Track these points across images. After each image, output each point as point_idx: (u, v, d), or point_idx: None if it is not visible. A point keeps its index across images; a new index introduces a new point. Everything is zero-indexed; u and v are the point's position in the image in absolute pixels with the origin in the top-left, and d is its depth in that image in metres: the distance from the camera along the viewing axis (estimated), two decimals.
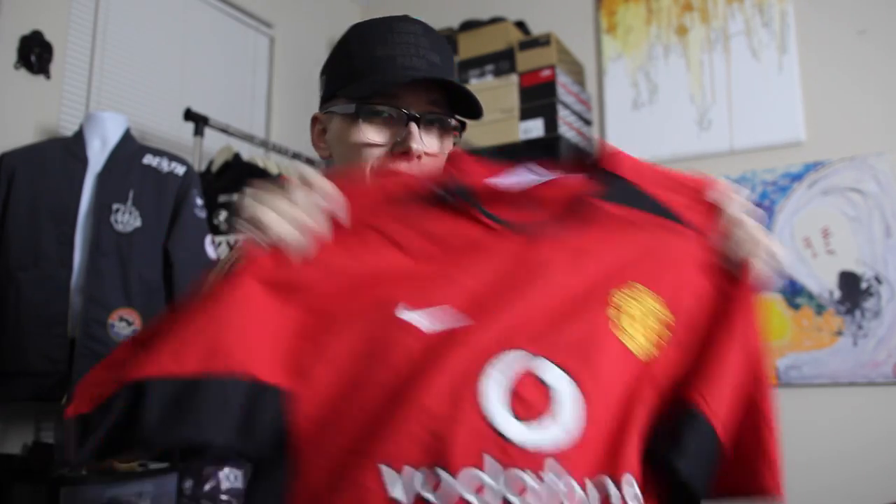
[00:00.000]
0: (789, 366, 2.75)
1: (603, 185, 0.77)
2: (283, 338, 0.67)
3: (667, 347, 0.73)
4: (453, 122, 0.96)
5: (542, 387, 0.67)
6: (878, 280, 2.67)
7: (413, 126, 0.91)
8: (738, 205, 0.81)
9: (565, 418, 0.67)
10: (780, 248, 0.78)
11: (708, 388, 0.74)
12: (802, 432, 2.71)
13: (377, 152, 0.92)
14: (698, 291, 0.76)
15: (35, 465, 2.08)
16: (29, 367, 2.02)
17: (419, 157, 0.91)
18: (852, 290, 2.70)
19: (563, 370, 0.68)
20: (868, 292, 2.68)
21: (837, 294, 2.72)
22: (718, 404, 0.75)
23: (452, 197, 0.76)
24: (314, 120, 1.03)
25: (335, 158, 0.99)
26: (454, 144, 0.99)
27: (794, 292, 2.79)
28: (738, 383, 0.76)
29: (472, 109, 0.95)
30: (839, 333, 2.70)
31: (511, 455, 0.65)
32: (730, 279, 0.78)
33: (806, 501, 2.66)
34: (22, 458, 2.12)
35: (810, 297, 2.76)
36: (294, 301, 0.69)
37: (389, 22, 0.95)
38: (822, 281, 2.75)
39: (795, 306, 2.78)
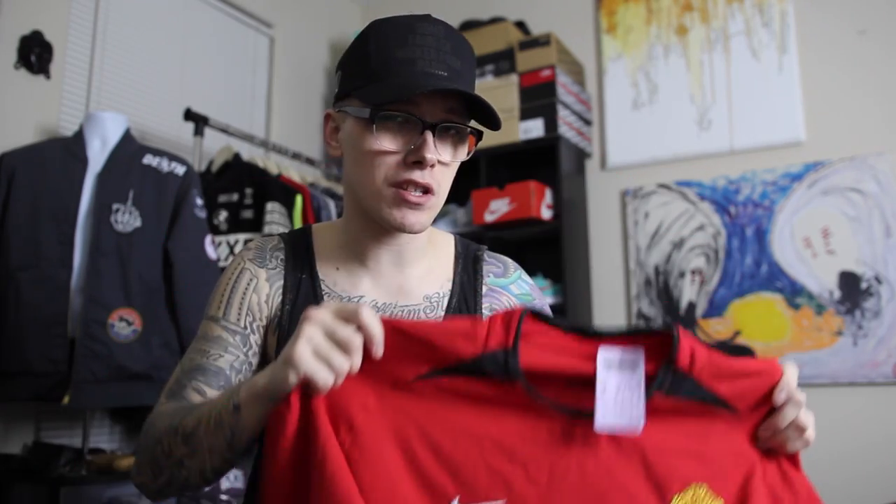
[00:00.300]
0: None
1: (658, 373, 0.72)
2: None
3: None
4: (470, 131, 0.94)
5: None
6: (878, 280, 2.67)
7: (428, 135, 0.89)
8: (796, 400, 0.75)
9: None
10: (811, 427, 0.75)
11: None
12: None
13: (390, 160, 0.91)
14: (752, 477, 0.73)
15: (35, 465, 2.08)
16: (29, 367, 2.02)
17: (432, 165, 0.90)
18: (852, 290, 2.70)
19: None
20: (868, 292, 2.68)
21: (837, 294, 2.72)
22: None
23: (509, 378, 0.71)
24: (327, 117, 1.01)
25: (346, 160, 0.98)
26: (468, 155, 0.97)
27: (794, 292, 2.79)
28: None
29: (491, 119, 0.92)
30: (839, 333, 2.70)
31: None
32: (776, 459, 0.75)
33: None
34: (22, 458, 2.12)
35: (810, 297, 2.76)
36: (339, 464, 0.69)
37: (411, 22, 0.91)
38: (822, 281, 2.75)
39: (795, 306, 2.78)
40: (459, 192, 3.26)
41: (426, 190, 0.91)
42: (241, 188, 2.59)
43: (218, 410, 0.79)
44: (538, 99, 2.97)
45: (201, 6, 3.11)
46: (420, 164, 0.90)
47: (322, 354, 0.70)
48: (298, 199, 2.58)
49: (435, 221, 1.00)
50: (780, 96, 2.91)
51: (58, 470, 2.05)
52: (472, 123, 0.96)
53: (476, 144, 0.96)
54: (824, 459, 2.67)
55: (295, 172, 2.82)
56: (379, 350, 0.72)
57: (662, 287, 3.02)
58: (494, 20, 3.23)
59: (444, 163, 0.92)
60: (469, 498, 0.68)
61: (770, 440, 0.75)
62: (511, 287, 1.04)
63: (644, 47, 3.21)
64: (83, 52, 2.60)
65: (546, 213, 2.92)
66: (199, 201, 2.29)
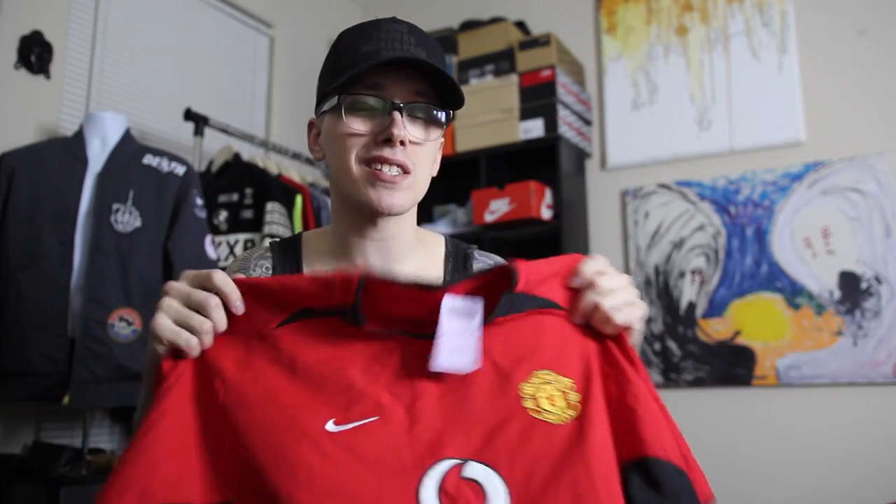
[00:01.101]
0: (789, 366, 2.75)
1: (500, 300, 0.80)
2: (216, 455, 0.73)
3: (585, 408, 0.76)
4: (440, 112, 0.96)
5: (475, 486, 0.71)
6: (878, 280, 2.67)
7: (396, 114, 0.91)
8: (595, 286, 0.81)
9: None
10: (618, 308, 0.80)
11: (651, 434, 0.76)
12: (802, 432, 2.72)
13: (361, 141, 0.93)
14: (589, 357, 0.80)
15: (35, 465, 2.08)
16: (29, 367, 2.02)
17: (402, 142, 0.92)
18: (852, 290, 2.70)
19: (491, 468, 0.72)
20: (868, 292, 2.68)
21: (837, 294, 2.72)
22: (666, 443, 0.76)
23: (352, 318, 0.78)
24: (310, 125, 1.04)
25: (327, 157, 1.00)
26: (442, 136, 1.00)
27: (794, 292, 2.79)
28: (663, 419, 0.79)
29: (457, 99, 0.96)
30: (839, 333, 2.70)
31: None
32: (608, 338, 0.82)
33: (806, 501, 2.66)
34: (22, 458, 2.12)
35: (810, 297, 2.76)
36: (218, 416, 0.74)
37: (377, 22, 0.95)
38: (822, 281, 2.75)
39: (795, 306, 2.78)
40: (459, 192, 3.26)
41: (402, 169, 0.93)
42: (241, 188, 2.59)
43: (142, 402, 0.85)
44: (538, 99, 2.97)
45: (201, 6, 3.11)
46: (389, 142, 0.92)
47: (181, 320, 0.77)
48: (298, 199, 2.58)
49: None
50: (780, 96, 2.91)
51: (58, 470, 2.05)
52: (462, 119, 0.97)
53: (446, 125, 0.99)
54: (824, 459, 2.67)
55: (295, 172, 2.82)
56: (238, 305, 0.78)
57: (662, 287, 3.03)
58: (494, 20, 3.23)
59: (415, 142, 0.94)
60: (344, 419, 0.73)
61: (590, 323, 0.81)
62: None
63: (644, 47, 3.21)
64: (83, 52, 2.60)
65: (546, 213, 2.92)
66: (200, 201, 2.29)
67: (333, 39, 1.00)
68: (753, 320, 2.84)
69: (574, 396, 0.77)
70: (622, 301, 0.81)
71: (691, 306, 2.96)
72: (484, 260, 1.07)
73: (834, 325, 2.71)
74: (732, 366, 2.85)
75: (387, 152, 0.92)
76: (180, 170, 2.28)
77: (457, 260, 1.05)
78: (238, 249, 2.53)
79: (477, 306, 0.78)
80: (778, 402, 2.78)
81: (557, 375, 0.78)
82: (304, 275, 0.80)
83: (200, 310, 0.77)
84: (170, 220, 2.23)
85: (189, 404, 0.75)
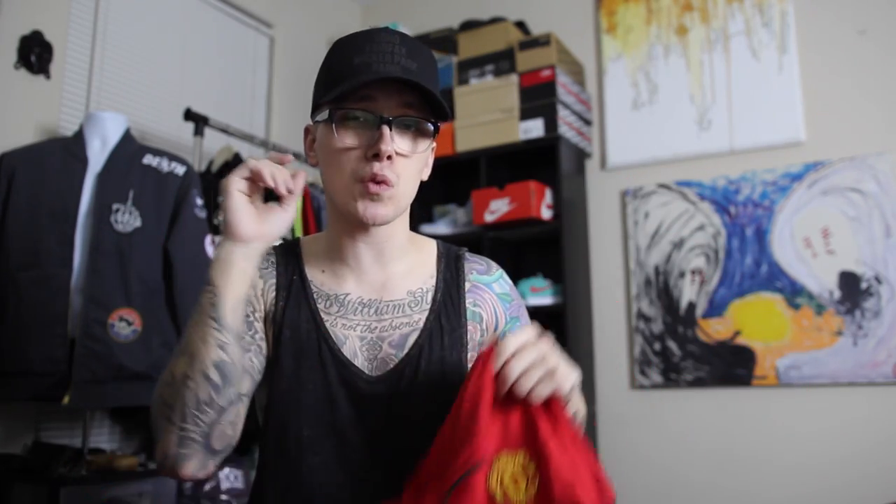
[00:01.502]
0: (789, 366, 2.75)
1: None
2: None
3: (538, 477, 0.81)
4: (429, 124, 0.99)
5: None
6: (878, 280, 2.67)
7: (385, 129, 0.94)
8: (505, 369, 0.85)
9: None
10: (564, 367, 0.85)
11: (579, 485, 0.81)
12: (802, 432, 2.72)
13: (352, 155, 0.96)
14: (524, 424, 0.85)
15: (35, 465, 2.08)
16: (29, 367, 2.02)
17: (389, 157, 0.94)
18: (852, 290, 2.70)
19: None
20: (868, 292, 2.68)
21: (837, 294, 2.72)
22: (587, 492, 0.81)
23: None
24: (306, 131, 1.07)
25: (321, 165, 1.03)
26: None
27: (794, 292, 2.79)
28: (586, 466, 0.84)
29: (440, 110, 0.98)
30: (839, 333, 2.70)
31: None
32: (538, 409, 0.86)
33: (806, 501, 2.66)
34: (22, 458, 2.12)
35: (810, 297, 2.76)
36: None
37: (368, 33, 0.98)
38: (822, 281, 2.75)
39: (795, 306, 2.78)
40: (459, 192, 3.26)
41: (386, 183, 0.96)
42: None
43: (196, 310, 0.88)
44: (538, 99, 2.97)
45: (201, 6, 3.11)
46: (377, 157, 0.94)
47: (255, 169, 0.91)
48: (298, 200, 2.58)
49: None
50: (780, 96, 2.91)
51: (58, 470, 2.05)
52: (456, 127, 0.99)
53: (434, 134, 1.01)
54: (824, 459, 2.67)
55: None
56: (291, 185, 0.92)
57: (662, 287, 3.03)
58: (494, 20, 3.23)
59: (402, 154, 0.96)
60: None
61: (524, 396, 0.84)
62: (493, 285, 1.09)
63: (644, 47, 3.21)
64: (83, 52, 2.60)
65: (546, 213, 2.92)
66: (199, 201, 2.29)
67: (334, 39, 1.02)
68: (753, 320, 2.84)
69: (532, 469, 0.81)
70: (535, 378, 0.83)
71: (691, 306, 2.96)
72: (475, 261, 1.10)
73: (834, 325, 2.71)
74: (732, 366, 2.85)
75: (375, 167, 0.94)
76: (180, 170, 2.28)
77: (448, 260, 1.08)
78: None
79: None
80: (778, 402, 2.78)
81: (510, 454, 0.82)
82: None
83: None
84: (170, 220, 2.23)
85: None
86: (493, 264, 1.12)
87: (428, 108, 0.97)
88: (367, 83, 0.93)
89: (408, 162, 0.97)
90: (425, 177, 1.05)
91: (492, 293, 1.07)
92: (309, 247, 1.08)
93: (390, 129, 0.94)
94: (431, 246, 1.11)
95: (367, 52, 0.95)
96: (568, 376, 0.85)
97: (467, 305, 1.04)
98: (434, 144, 1.03)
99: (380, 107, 0.95)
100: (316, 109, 1.02)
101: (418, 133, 0.98)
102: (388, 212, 0.97)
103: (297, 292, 1.02)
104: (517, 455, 0.81)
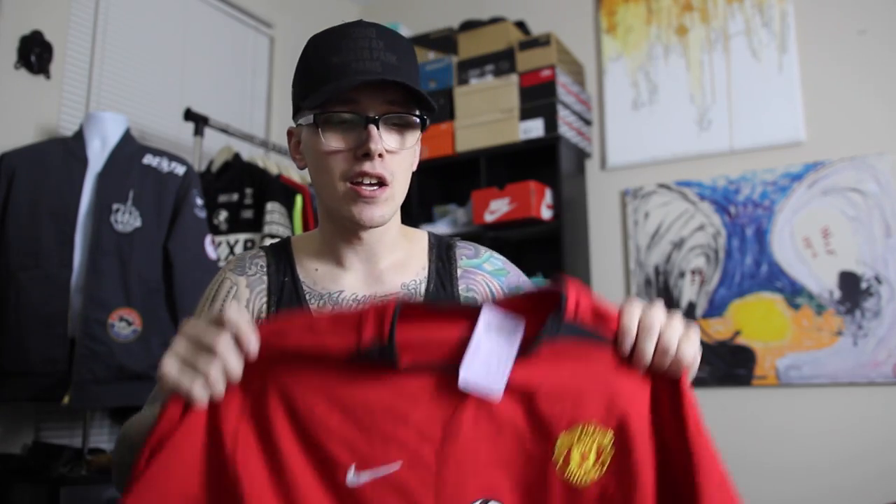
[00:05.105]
0: (789, 366, 2.75)
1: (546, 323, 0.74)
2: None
3: (615, 466, 0.72)
4: (414, 118, 0.98)
5: None
6: (878, 280, 2.67)
7: (372, 128, 0.93)
8: (649, 331, 0.74)
9: None
10: (676, 348, 0.74)
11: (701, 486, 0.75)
12: (802, 432, 2.72)
13: (341, 157, 0.95)
14: (638, 407, 0.74)
15: (35, 465, 2.08)
16: (29, 367, 2.02)
17: (380, 155, 0.94)
18: (852, 290, 2.70)
19: None
20: (868, 292, 2.68)
21: (837, 294, 2.72)
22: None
23: (378, 358, 0.72)
24: (289, 134, 1.07)
25: (309, 169, 1.03)
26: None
27: (794, 292, 2.79)
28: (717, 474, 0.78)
29: (425, 104, 0.97)
30: (839, 333, 2.70)
31: None
32: (656, 378, 0.76)
33: (806, 501, 2.66)
34: (22, 458, 2.12)
35: (810, 297, 2.76)
36: (226, 474, 0.70)
37: (343, 28, 0.98)
38: (822, 281, 2.75)
39: (795, 306, 2.78)
40: (459, 192, 3.26)
41: (380, 182, 0.95)
42: (241, 188, 2.59)
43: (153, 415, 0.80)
44: (538, 99, 2.97)
45: (201, 6, 3.11)
46: (367, 156, 0.94)
47: (188, 362, 0.70)
48: (298, 199, 2.58)
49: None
50: (780, 96, 2.91)
51: (58, 470, 2.05)
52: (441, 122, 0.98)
53: (422, 130, 1.00)
54: (824, 459, 2.67)
55: (295, 172, 2.82)
56: (251, 345, 0.70)
57: (662, 287, 3.02)
58: (494, 20, 3.23)
59: (392, 151, 0.96)
60: (364, 465, 0.70)
61: (647, 369, 0.74)
62: (484, 265, 1.08)
63: (644, 47, 3.21)
64: (83, 52, 2.60)
65: (546, 213, 2.92)
66: (199, 201, 2.29)
67: None
68: (753, 320, 2.84)
69: (608, 454, 0.72)
70: (678, 336, 0.74)
71: (691, 306, 2.96)
72: (464, 247, 1.10)
73: (834, 325, 2.71)
74: (732, 366, 2.85)
75: (367, 167, 0.94)
76: (180, 170, 2.28)
77: (440, 249, 1.08)
78: (238, 249, 2.53)
79: (518, 326, 0.72)
80: (778, 402, 2.78)
81: (600, 429, 0.72)
82: (328, 313, 0.73)
83: (208, 350, 0.70)
84: (170, 220, 2.23)
85: (194, 459, 0.70)
86: (482, 248, 1.11)
87: (412, 102, 0.97)
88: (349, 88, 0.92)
89: (398, 158, 0.97)
90: (414, 167, 1.04)
91: (483, 273, 1.07)
92: (301, 246, 1.08)
93: (377, 128, 0.94)
94: (423, 238, 1.10)
95: (344, 51, 0.95)
96: (697, 340, 0.76)
97: (460, 291, 1.04)
98: (420, 137, 1.03)
99: (364, 107, 0.94)
100: (297, 112, 1.02)
101: (405, 128, 0.98)
102: (384, 212, 0.97)
103: (290, 294, 1.02)
104: (606, 433, 0.72)
